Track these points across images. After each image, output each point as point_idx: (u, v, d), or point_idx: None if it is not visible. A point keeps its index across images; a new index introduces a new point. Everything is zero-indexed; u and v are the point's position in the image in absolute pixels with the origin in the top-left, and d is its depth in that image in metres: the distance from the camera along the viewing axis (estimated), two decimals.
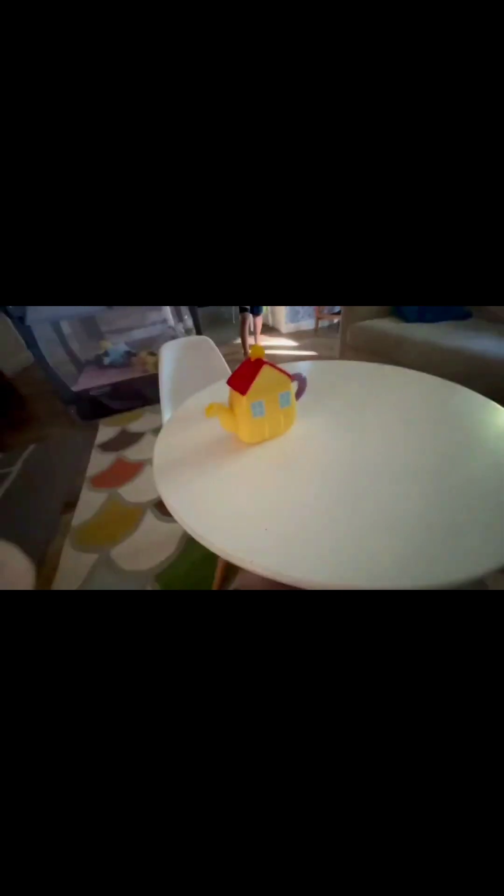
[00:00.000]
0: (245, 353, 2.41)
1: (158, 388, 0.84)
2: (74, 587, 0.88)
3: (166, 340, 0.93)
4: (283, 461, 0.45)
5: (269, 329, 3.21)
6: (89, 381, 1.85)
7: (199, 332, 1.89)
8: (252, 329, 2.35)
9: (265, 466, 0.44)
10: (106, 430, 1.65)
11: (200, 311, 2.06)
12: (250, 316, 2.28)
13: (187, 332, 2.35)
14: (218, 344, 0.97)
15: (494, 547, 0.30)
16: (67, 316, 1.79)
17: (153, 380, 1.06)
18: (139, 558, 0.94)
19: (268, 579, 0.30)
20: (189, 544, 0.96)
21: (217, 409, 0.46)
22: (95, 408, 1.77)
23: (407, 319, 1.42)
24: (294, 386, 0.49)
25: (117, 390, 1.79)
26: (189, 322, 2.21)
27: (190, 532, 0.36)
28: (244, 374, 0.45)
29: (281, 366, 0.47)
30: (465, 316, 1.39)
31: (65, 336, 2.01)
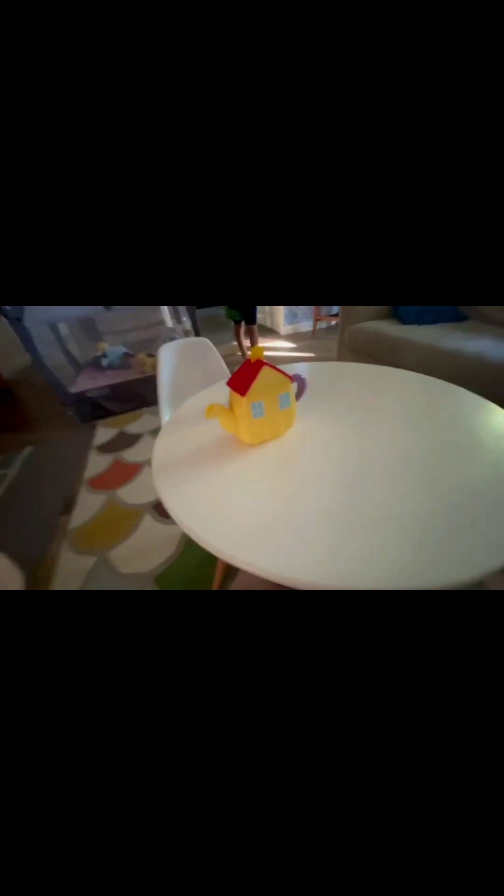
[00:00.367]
0: (243, 355, 2.36)
1: (157, 389, 0.84)
2: (73, 590, 0.87)
3: (164, 342, 0.93)
4: (282, 462, 0.45)
5: (267, 331, 3.22)
6: (87, 383, 1.84)
7: (197, 334, 1.90)
8: (246, 335, 2.28)
9: (265, 467, 0.44)
10: (104, 432, 1.64)
11: (198, 312, 2.06)
12: (242, 325, 2.20)
13: (185, 333, 2.35)
14: (216, 345, 0.97)
15: (494, 548, 0.30)
16: (65, 317, 1.79)
17: (151, 381, 1.06)
18: (138, 560, 0.93)
19: (267, 580, 0.30)
20: (188, 546, 0.96)
21: (217, 410, 0.46)
22: (93, 409, 1.76)
23: (404, 321, 1.43)
24: (294, 387, 0.49)
25: (115, 392, 1.78)
26: (187, 323, 2.21)
27: (189, 534, 0.36)
28: (244, 376, 0.45)
29: (280, 367, 0.47)
30: (462, 318, 1.40)
31: (62, 338, 2.01)
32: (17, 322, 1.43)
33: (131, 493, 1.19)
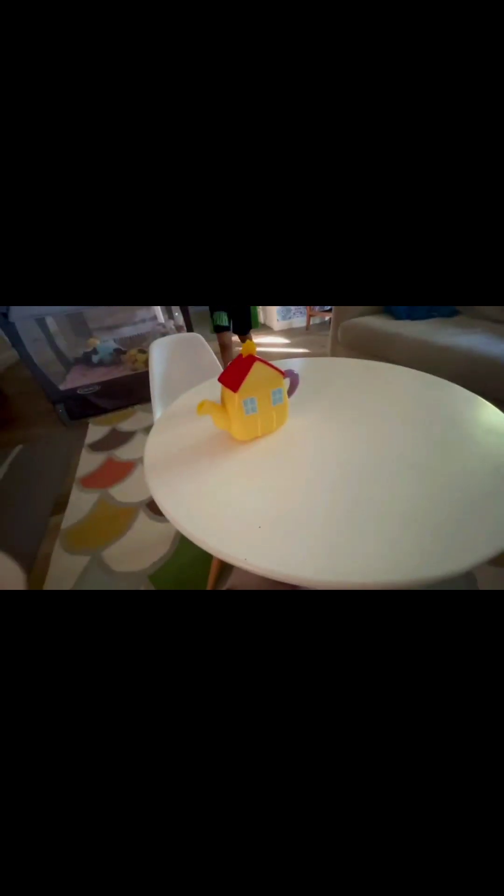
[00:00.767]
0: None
1: (149, 386, 0.83)
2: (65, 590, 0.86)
3: (156, 338, 0.91)
4: (275, 458, 0.45)
5: (260, 327, 3.20)
6: (77, 380, 1.81)
7: (189, 329, 1.87)
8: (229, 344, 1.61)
9: (258, 464, 0.44)
10: (96, 430, 1.61)
11: (191, 308, 1.97)
12: (230, 335, 1.56)
13: (178, 329, 2.32)
14: (209, 341, 0.96)
15: (485, 538, 0.31)
16: (53, 312, 1.74)
17: (143, 378, 1.04)
18: (132, 559, 0.93)
19: (263, 578, 0.30)
20: (182, 544, 0.95)
21: (209, 406, 0.45)
22: (84, 407, 1.73)
23: (396, 317, 1.44)
24: (286, 383, 0.49)
25: (106, 389, 1.75)
26: (179, 319, 2.18)
27: (183, 532, 0.35)
28: (236, 371, 0.45)
29: (273, 363, 0.46)
30: (453, 313, 1.42)
31: (51, 333, 1.96)
32: (2, 318, 1.39)
33: (124, 492, 1.18)
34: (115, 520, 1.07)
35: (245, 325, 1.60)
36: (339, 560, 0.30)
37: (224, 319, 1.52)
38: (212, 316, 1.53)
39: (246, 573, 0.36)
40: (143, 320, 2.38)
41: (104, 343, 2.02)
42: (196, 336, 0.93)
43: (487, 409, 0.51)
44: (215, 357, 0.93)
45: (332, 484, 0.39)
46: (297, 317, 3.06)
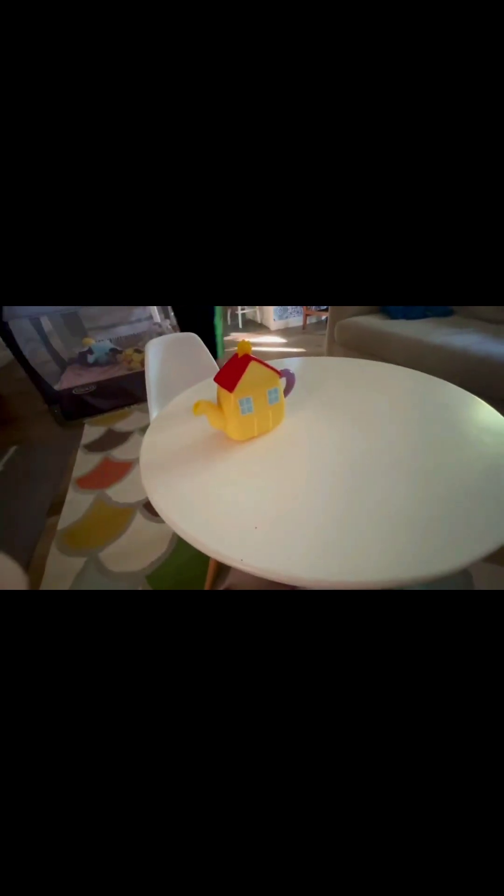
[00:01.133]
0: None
1: (145, 386, 0.82)
2: None
3: (152, 337, 0.91)
4: (272, 458, 0.45)
5: (257, 326, 3.19)
6: (73, 380, 1.79)
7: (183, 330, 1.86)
8: None
9: (254, 464, 0.44)
10: (92, 430, 1.60)
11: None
12: None
13: (173, 328, 2.31)
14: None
15: (480, 535, 0.31)
16: (48, 312, 1.72)
17: (140, 378, 1.03)
18: (129, 560, 0.92)
19: (258, 577, 0.30)
20: (180, 544, 0.95)
21: (205, 406, 0.45)
22: (80, 407, 1.71)
23: (392, 316, 1.44)
24: (282, 382, 0.49)
25: (102, 389, 1.74)
26: (175, 318, 2.17)
27: (179, 532, 0.35)
28: (231, 371, 0.45)
29: (269, 362, 0.46)
30: (448, 313, 1.43)
31: (45, 333, 1.94)
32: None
33: (121, 492, 1.17)
34: (112, 520, 1.06)
35: (213, 348, 1.25)
36: (336, 559, 0.30)
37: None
38: None
39: (243, 573, 0.36)
40: (139, 319, 2.36)
41: (99, 343, 2.01)
42: (192, 335, 0.93)
43: (483, 408, 0.52)
44: (211, 357, 0.92)
45: (328, 483, 0.39)
46: (294, 316, 3.06)
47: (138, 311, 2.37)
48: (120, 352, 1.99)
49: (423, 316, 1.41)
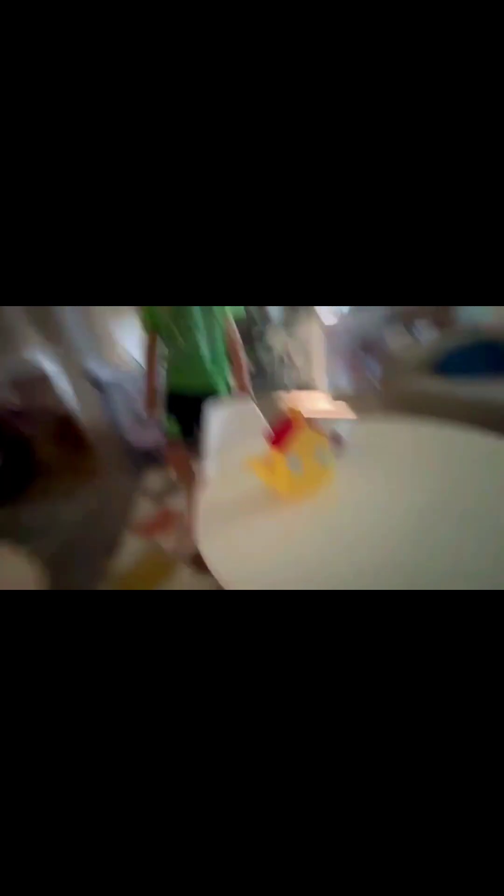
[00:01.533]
0: (184, 487, 1.12)
1: (205, 443, 0.93)
2: None
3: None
4: (320, 517, 0.44)
5: (306, 390, 3.40)
6: (149, 437, 2.10)
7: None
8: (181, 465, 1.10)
9: (302, 521, 0.44)
10: (153, 479, 1.79)
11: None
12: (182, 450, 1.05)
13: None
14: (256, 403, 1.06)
15: None
16: (132, 377, 2.14)
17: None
18: None
19: None
20: None
21: (255, 464, 0.49)
22: (147, 458, 1.97)
23: (448, 376, 1.41)
24: (331, 443, 0.51)
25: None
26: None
27: (222, 584, 0.35)
28: (281, 432, 0.49)
29: (318, 423, 0.50)
30: None
31: (132, 399, 2.39)
32: (99, 386, 1.77)
33: (172, 542, 1.22)
34: (160, 569, 1.09)
35: (190, 429, 1.00)
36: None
37: (175, 427, 1.02)
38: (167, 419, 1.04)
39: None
40: None
41: None
42: (247, 402, 1.04)
43: None
44: (263, 417, 1.01)
45: (375, 546, 0.37)
46: (344, 378, 3.19)
47: None
48: None
49: (479, 373, 1.33)
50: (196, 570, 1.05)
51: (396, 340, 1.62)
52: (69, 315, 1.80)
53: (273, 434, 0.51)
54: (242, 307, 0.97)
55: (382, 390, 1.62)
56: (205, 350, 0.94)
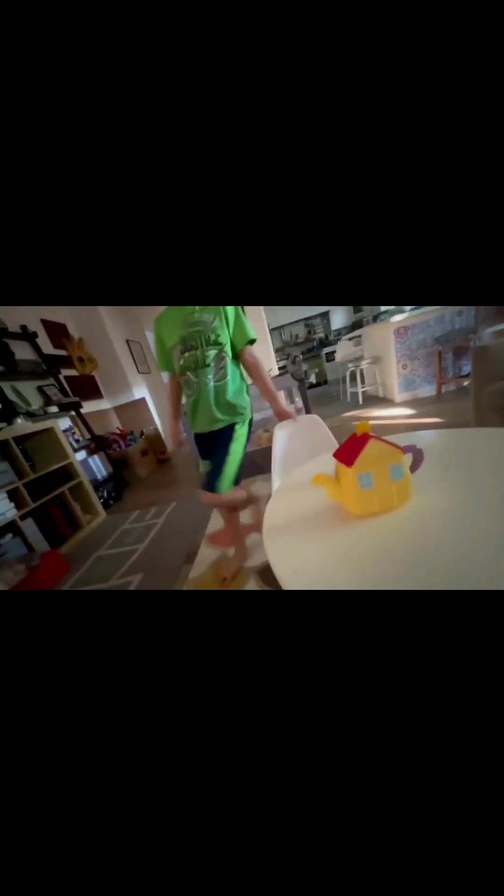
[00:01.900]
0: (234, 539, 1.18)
1: (271, 459, 0.96)
2: None
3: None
4: (392, 536, 0.41)
5: (380, 400, 3.15)
6: None
7: (308, 411, 2.09)
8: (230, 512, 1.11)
9: (372, 540, 0.41)
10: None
11: (309, 392, 2.21)
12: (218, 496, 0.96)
13: (297, 411, 2.63)
14: (325, 418, 1.04)
15: None
16: None
17: (266, 452, 1.22)
18: None
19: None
20: None
21: (323, 479, 0.49)
22: None
23: None
24: (408, 458, 0.47)
25: None
26: (299, 402, 2.48)
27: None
28: (350, 448, 0.48)
29: (398, 436, 0.47)
30: None
31: None
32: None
33: (241, 553, 1.27)
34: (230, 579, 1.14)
35: (210, 481, 0.96)
36: None
37: (207, 467, 1.00)
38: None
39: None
40: (269, 406, 2.86)
41: None
42: (314, 417, 1.04)
43: None
44: (331, 434, 0.99)
45: (452, 570, 0.31)
46: (423, 386, 2.84)
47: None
48: (253, 432, 2.43)
49: None
50: (262, 583, 1.06)
51: (486, 337, 1.38)
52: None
53: (341, 450, 0.50)
54: (253, 334, 0.89)
55: (474, 392, 1.38)
56: (211, 389, 0.89)
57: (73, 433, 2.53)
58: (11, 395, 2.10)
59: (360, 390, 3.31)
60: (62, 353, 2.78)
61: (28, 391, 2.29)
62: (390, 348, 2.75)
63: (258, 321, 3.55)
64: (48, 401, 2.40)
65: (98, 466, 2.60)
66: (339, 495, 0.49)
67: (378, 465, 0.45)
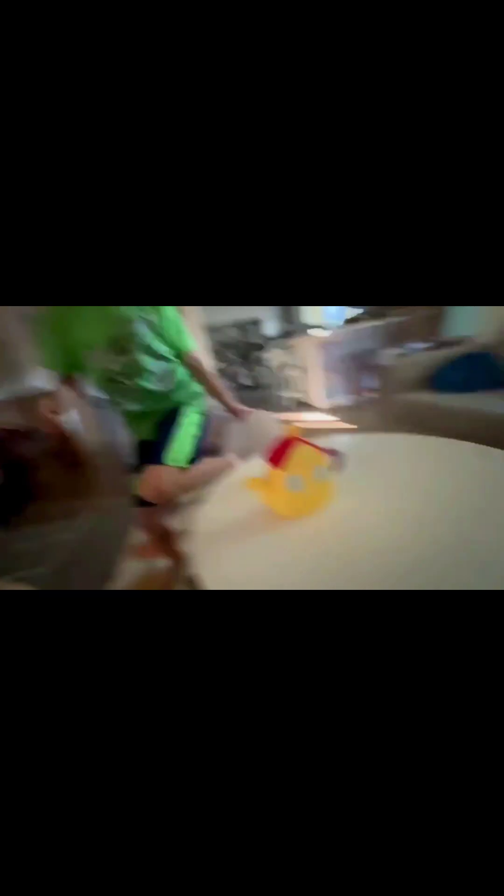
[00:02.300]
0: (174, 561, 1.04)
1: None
2: None
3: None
4: (321, 536, 0.43)
5: (304, 406, 3.44)
6: None
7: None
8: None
9: (302, 541, 0.43)
10: None
11: (243, 395, 2.25)
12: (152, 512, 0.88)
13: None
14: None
15: None
16: None
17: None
18: None
19: None
20: None
21: (255, 482, 0.49)
22: None
23: (446, 390, 1.43)
24: (330, 460, 0.51)
25: None
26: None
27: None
28: (278, 451, 0.49)
29: (319, 440, 0.50)
30: (499, 385, 1.35)
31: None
32: (98, 405, 1.80)
33: (169, 564, 1.19)
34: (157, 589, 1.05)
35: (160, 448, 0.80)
36: None
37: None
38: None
39: None
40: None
41: None
42: (267, 413, 1.05)
43: None
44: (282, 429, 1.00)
45: (374, 564, 0.35)
46: (342, 394, 3.24)
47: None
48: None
49: (478, 388, 1.35)
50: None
51: (390, 357, 1.67)
52: None
53: (271, 452, 0.51)
54: (193, 342, 0.85)
55: (380, 405, 1.64)
56: (156, 395, 0.82)
57: None
58: None
59: (289, 396, 3.55)
60: None
61: None
62: (315, 360, 3.04)
63: (191, 315, 3.42)
64: None
65: None
66: (269, 499, 0.50)
67: (305, 468, 0.48)
